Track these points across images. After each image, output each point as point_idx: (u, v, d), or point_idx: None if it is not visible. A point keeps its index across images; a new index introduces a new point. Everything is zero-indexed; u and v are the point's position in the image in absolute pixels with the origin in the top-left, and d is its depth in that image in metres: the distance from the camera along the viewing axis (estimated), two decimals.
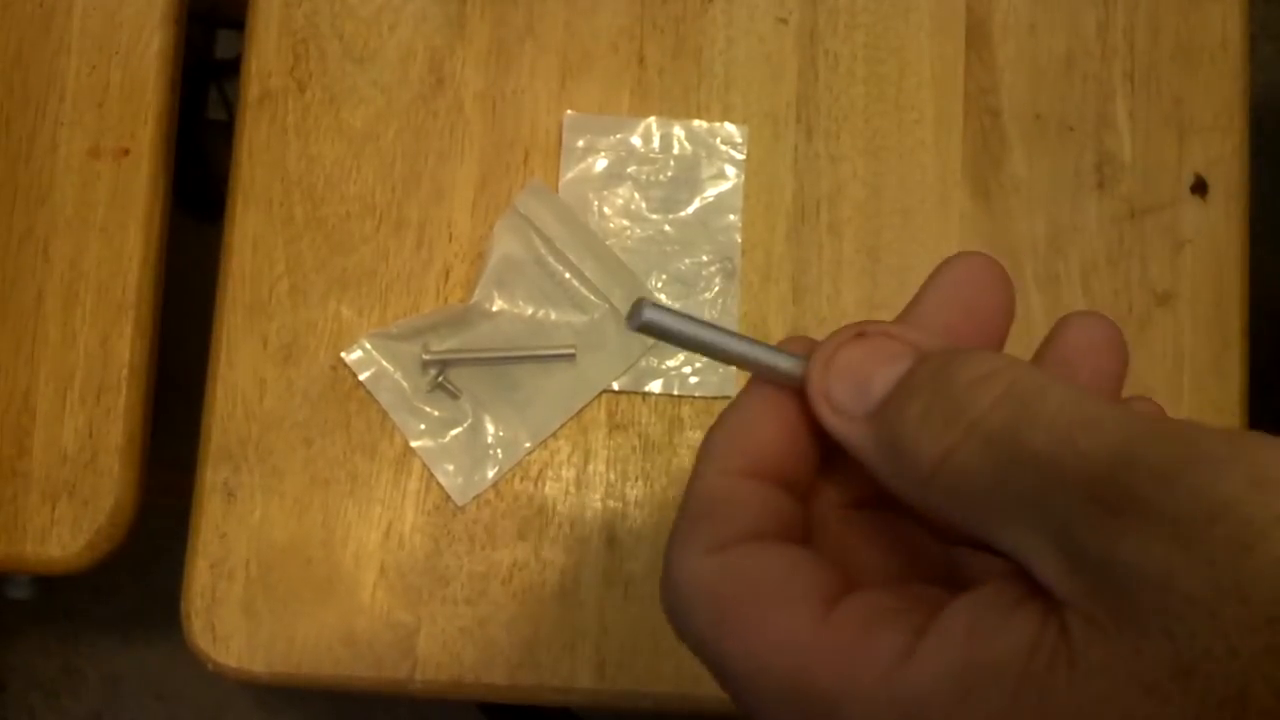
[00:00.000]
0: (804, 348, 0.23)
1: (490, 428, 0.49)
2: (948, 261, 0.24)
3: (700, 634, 0.21)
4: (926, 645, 0.19)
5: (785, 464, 0.23)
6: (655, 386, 0.50)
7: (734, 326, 0.50)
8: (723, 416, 0.24)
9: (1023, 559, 0.19)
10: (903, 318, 0.24)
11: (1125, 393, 0.24)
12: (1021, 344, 0.23)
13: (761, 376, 0.23)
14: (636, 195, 0.51)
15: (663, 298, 0.50)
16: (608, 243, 0.51)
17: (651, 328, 0.22)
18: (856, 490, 0.24)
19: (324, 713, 1.10)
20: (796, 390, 0.23)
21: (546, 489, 0.49)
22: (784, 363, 0.23)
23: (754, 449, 0.23)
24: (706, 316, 0.50)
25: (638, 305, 0.22)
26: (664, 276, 0.51)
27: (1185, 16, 0.53)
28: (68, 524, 0.49)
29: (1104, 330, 0.24)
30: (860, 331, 0.22)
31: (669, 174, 0.51)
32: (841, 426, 0.22)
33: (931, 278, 0.24)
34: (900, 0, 0.53)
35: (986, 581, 0.20)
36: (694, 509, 0.23)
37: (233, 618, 0.48)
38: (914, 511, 0.23)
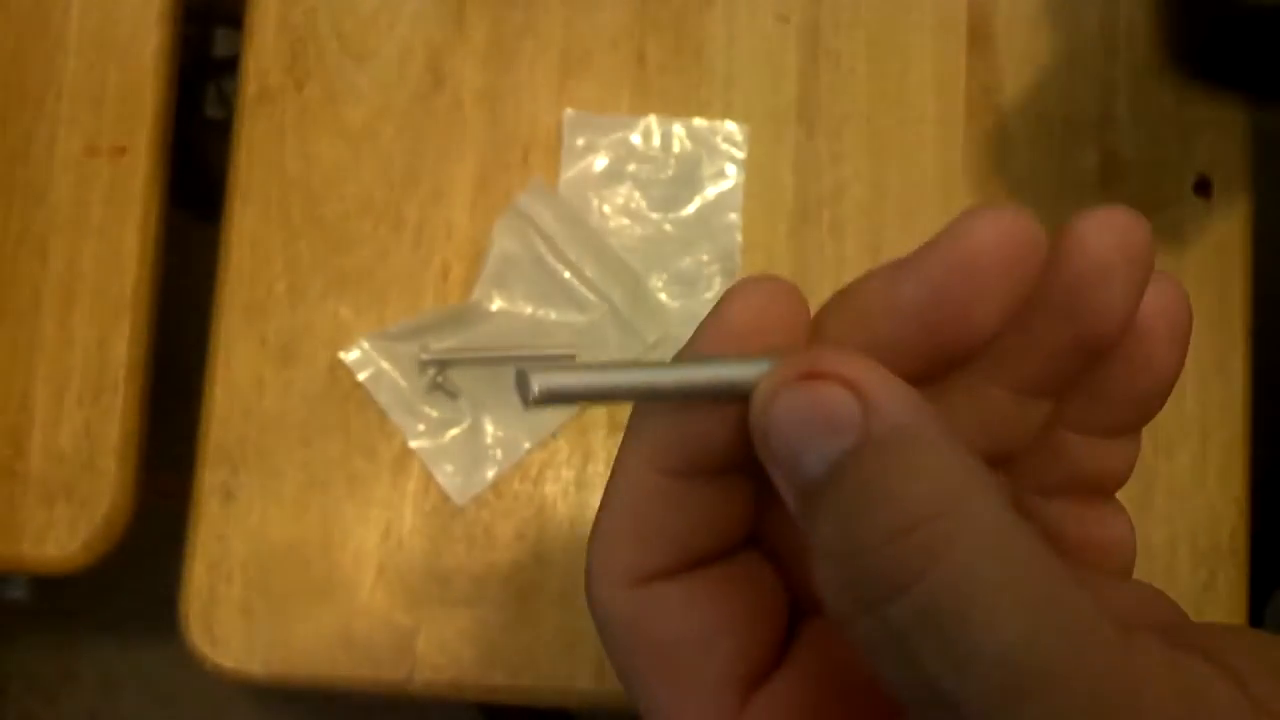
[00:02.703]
0: (762, 345, 0.19)
1: (489, 428, 0.49)
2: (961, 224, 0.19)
3: (618, 664, 0.20)
4: None
5: (734, 453, 0.19)
6: None
7: None
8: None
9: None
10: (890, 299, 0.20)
11: None
12: None
13: (713, 397, 0.19)
14: (637, 194, 0.51)
15: (663, 297, 0.50)
16: (608, 242, 0.50)
17: (552, 396, 0.17)
18: None
19: (322, 714, 1.10)
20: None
21: (546, 489, 0.49)
22: (740, 373, 0.18)
23: (698, 439, 0.19)
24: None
25: (522, 379, 0.17)
26: (664, 276, 0.50)
27: None
28: (65, 525, 0.48)
29: (1171, 291, 0.20)
30: (811, 370, 0.17)
31: (669, 173, 0.51)
32: (775, 479, 0.18)
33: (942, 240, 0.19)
34: None
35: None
36: (617, 517, 0.20)
37: (231, 619, 0.48)
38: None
